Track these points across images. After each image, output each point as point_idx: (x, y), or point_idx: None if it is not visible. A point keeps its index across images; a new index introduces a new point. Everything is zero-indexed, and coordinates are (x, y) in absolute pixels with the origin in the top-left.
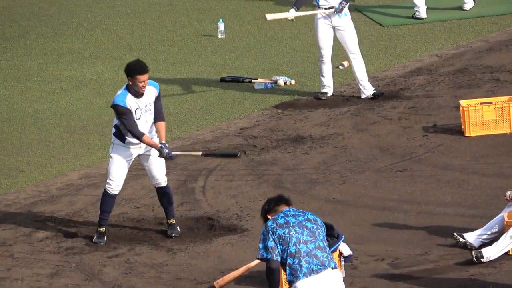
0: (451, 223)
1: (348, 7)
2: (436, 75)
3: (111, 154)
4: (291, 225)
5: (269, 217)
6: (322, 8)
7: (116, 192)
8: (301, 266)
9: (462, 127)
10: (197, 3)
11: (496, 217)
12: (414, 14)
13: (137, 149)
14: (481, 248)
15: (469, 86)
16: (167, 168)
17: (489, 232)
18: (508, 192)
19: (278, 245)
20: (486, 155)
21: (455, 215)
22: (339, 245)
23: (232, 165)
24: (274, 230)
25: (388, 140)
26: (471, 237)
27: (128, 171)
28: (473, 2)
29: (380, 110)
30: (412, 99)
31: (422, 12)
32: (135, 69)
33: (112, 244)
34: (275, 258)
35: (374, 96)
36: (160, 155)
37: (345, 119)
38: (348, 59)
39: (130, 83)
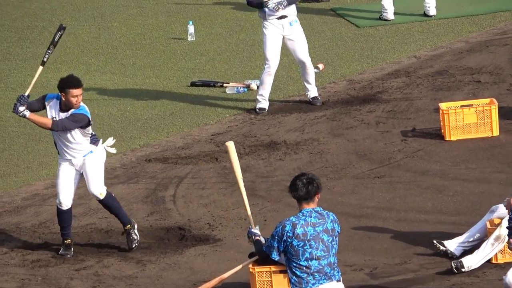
0: (431, 230)
1: (319, 9)
2: (414, 77)
3: (57, 170)
4: (308, 238)
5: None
6: (273, 18)
7: (67, 207)
8: (308, 281)
9: (442, 131)
10: (166, 5)
11: (478, 224)
12: (381, 15)
13: (70, 163)
14: (462, 256)
15: (449, 88)
16: (135, 176)
17: (471, 239)
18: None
19: (288, 251)
20: (467, 160)
21: (436, 222)
22: None
23: (204, 173)
24: (289, 239)
25: (365, 145)
26: (452, 245)
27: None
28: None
29: (357, 114)
30: (390, 102)
31: (390, 13)
32: (68, 82)
33: (79, 256)
34: (277, 259)
35: (312, 101)
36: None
37: (320, 123)
38: (298, 67)
39: (63, 98)
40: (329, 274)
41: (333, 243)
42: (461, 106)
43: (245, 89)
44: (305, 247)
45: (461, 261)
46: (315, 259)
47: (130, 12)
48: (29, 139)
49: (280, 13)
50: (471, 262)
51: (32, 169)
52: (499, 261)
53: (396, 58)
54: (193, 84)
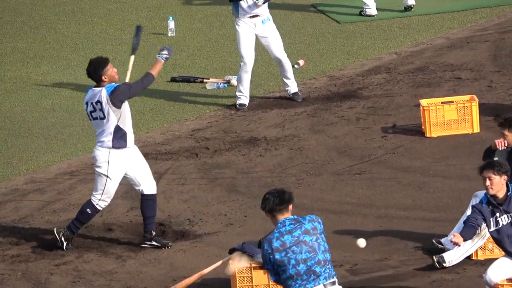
0: (411, 227)
1: (299, 5)
2: (395, 74)
3: (107, 172)
4: (288, 246)
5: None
6: (246, 17)
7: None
8: (299, 285)
9: (423, 127)
10: (146, 0)
11: (465, 213)
12: (362, 11)
13: (130, 153)
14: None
15: (429, 85)
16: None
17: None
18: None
19: (276, 268)
20: (448, 157)
21: (416, 218)
22: None
23: (184, 169)
24: (270, 256)
25: (345, 142)
26: (448, 242)
27: (75, 175)
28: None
29: (337, 110)
30: (371, 98)
31: (372, 8)
32: (103, 62)
33: (59, 251)
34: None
35: (293, 96)
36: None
37: (301, 120)
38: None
39: (106, 79)
40: (318, 273)
41: (318, 241)
42: (442, 102)
43: (226, 85)
44: (288, 255)
45: (442, 256)
46: (302, 263)
47: (110, 7)
48: (9, 134)
49: (253, 12)
50: (451, 257)
51: (11, 164)
52: (479, 258)
53: (377, 54)
54: (173, 80)
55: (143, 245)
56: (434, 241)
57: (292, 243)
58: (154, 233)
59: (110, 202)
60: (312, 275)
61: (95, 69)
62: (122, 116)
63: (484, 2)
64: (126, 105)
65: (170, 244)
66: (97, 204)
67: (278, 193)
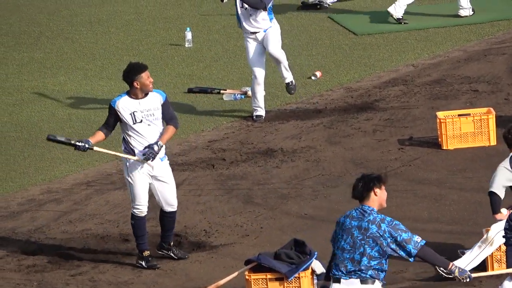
0: (427, 239)
1: (317, 17)
2: (412, 86)
3: (128, 177)
4: (343, 228)
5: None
6: (248, 32)
7: (145, 213)
8: (331, 269)
9: (439, 139)
10: (163, 11)
11: None
12: (399, 18)
13: (149, 166)
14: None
15: (446, 97)
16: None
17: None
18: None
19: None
20: (464, 169)
21: (432, 231)
22: (311, 262)
23: (200, 180)
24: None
25: (362, 153)
26: None
27: (92, 185)
28: (470, 10)
29: (354, 122)
30: (387, 110)
31: (399, 12)
32: (138, 68)
33: (75, 261)
34: None
35: (289, 85)
36: (146, 157)
37: (317, 131)
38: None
39: (137, 85)
40: (350, 270)
41: (362, 241)
42: (459, 115)
43: (242, 96)
44: (338, 236)
45: None
46: (341, 250)
47: (128, 18)
48: (26, 144)
49: (252, 29)
50: (458, 264)
51: (28, 174)
52: (495, 270)
53: (394, 66)
54: (190, 91)
55: (160, 252)
56: (459, 251)
57: (345, 228)
58: (172, 243)
59: (145, 209)
60: (343, 269)
61: (128, 73)
62: (123, 131)
63: (501, 15)
64: (124, 123)
65: (186, 256)
66: (132, 212)
67: (356, 183)
